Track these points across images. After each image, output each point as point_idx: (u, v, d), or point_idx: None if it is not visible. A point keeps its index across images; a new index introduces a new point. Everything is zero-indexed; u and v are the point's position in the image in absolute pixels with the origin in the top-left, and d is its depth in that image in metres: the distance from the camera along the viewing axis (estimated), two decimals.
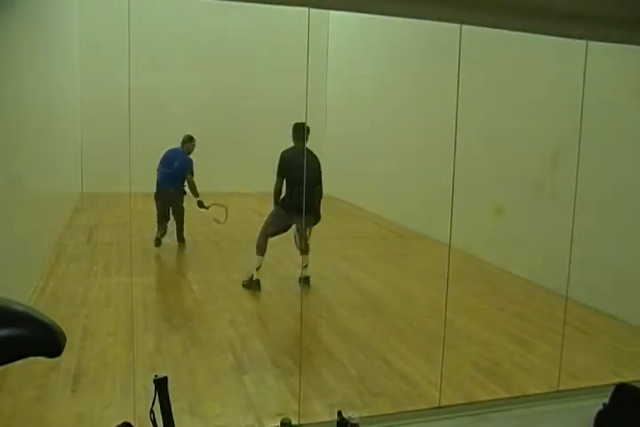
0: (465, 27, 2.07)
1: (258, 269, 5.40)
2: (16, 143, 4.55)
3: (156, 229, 6.80)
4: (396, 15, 1.89)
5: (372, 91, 9.81)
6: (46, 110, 6.32)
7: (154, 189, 7.20)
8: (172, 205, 6.86)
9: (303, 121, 5.28)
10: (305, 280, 5.50)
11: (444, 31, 2.70)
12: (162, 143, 9.87)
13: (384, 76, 9.41)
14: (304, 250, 5.52)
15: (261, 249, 5.46)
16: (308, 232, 5.48)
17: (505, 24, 1.95)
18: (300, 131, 5.18)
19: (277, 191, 5.31)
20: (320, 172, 5.38)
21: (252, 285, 5.35)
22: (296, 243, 5.58)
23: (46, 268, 5.68)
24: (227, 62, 10.52)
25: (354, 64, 10.70)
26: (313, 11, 1.89)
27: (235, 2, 1.77)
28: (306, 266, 5.54)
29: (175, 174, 6.84)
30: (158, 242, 6.77)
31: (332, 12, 9.07)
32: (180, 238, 7.09)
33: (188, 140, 7.04)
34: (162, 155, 7.02)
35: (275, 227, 5.46)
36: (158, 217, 6.87)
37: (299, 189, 5.08)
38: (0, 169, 3.96)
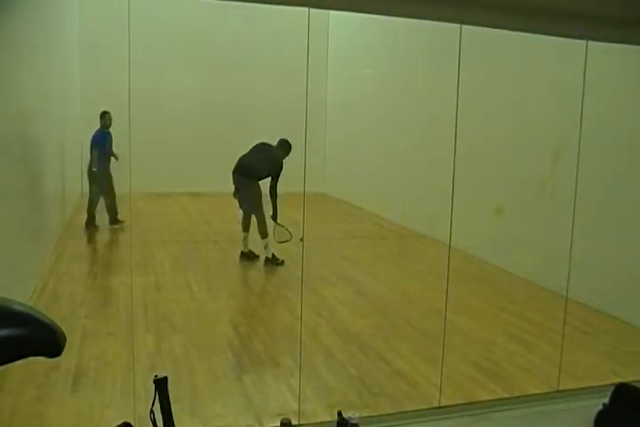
0: (465, 26, 2.07)
1: (244, 241, 6.35)
2: (16, 143, 4.55)
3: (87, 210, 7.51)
4: (395, 15, 1.90)
5: (372, 90, 9.80)
6: (46, 110, 6.32)
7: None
8: (107, 177, 7.46)
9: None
10: (270, 261, 6.14)
11: (444, 31, 2.70)
12: (162, 143, 9.92)
13: (384, 75, 9.41)
14: (262, 233, 6.22)
15: (242, 225, 6.38)
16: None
17: (505, 24, 1.95)
18: (284, 144, 6.35)
19: None
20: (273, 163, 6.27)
21: (244, 257, 6.33)
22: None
23: (46, 268, 5.68)
24: (227, 62, 10.51)
25: (354, 64, 10.70)
26: (313, 11, 1.89)
27: (235, 2, 1.77)
28: (265, 247, 6.22)
29: (104, 150, 7.55)
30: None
31: (332, 12, 9.07)
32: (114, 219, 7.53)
33: (102, 117, 7.70)
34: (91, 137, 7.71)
35: (238, 197, 6.35)
36: (95, 193, 7.53)
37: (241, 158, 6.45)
38: (1, 169, 3.96)
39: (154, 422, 1.45)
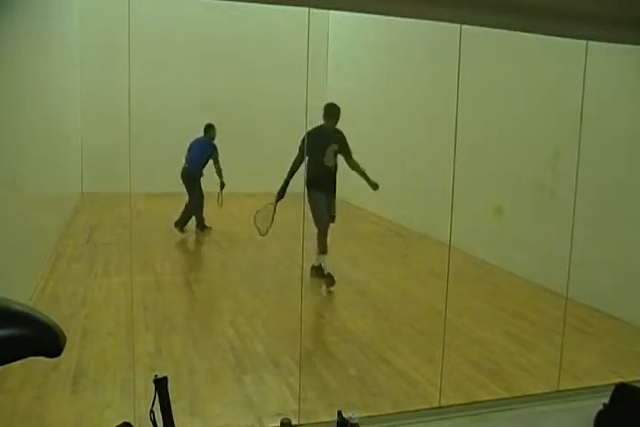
0: (465, 26, 2.07)
1: (317, 266, 5.52)
2: (16, 143, 4.55)
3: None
4: (396, 15, 1.89)
5: (372, 90, 9.80)
6: (46, 110, 6.32)
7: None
8: (192, 188, 7.44)
9: (333, 102, 5.59)
10: (329, 277, 5.37)
11: (444, 30, 2.70)
12: (162, 143, 9.91)
13: (384, 75, 9.41)
14: (322, 247, 5.47)
15: (320, 244, 5.48)
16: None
17: (505, 24, 1.95)
18: (329, 110, 5.54)
19: (295, 165, 5.41)
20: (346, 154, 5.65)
21: (315, 274, 5.52)
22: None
23: (46, 268, 5.67)
24: (227, 62, 10.52)
25: (354, 64, 10.70)
26: (313, 11, 1.89)
27: (235, 2, 1.77)
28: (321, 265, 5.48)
29: (194, 159, 7.59)
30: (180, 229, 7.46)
31: (332, 12, 9.07)
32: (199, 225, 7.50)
33: (210, 128, 7.74)
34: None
35: (319, 208, 5.49)
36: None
37: (319, 166, 5.45)
38: (0, 169, 3.96)
39: (154, 422, 1.45)
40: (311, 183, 5.45)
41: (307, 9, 1.83)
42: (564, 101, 5.08)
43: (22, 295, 4.43)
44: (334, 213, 5.70)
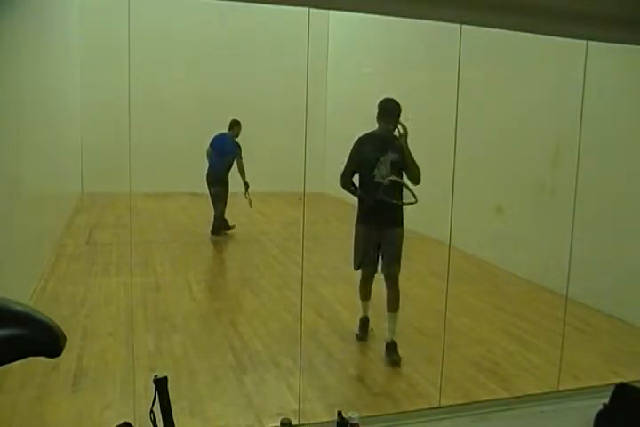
0: (465, 26, 2.07)
1: (362, 318, 4.25)
2: (16, 143, 4.55)
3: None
4: (395, 15, 1.89)
5: (372, 90, 9.80)
6: (46, 110, 6.32)
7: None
8: (218, 191, 7.30)
9: (391, 98, 3.89)
10: (390, 349, 3.84)
11: (444, 30, 2.70)
12: (161, 143, 9.92)
13: (384, 75, 9.41)
14: (391, 302, 3.95)
15: (361, 291, 4.20)
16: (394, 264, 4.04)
17: (505, 24, 1.95)
18: (386, 109, 3.85)
19: (343, 182, 4.11)
20: (407, 165, 3.95)
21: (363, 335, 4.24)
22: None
23: (46, 268, 5.67)
24: (227, 62, 10.52)
25: (354, 64, 10.70)
26: (313, 11, 1.89)
27: (235, 2, 1.77)
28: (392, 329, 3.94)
29: (220, 160, 7.35)
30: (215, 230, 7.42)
31: (332, 12, 9.07)
32: (214, 230, 7.38)
33: (235, 125, 7.51)
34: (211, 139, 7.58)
35: (359, 251, 4.04)
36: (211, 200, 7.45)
37: (367, 184, 3.98)
38: (1, 169, 3.96)
39: (154, 422, 1.45)
40: (359, 209, 4.10)
41: (307, 9, 1.83)
42: (564, 101, 5.08)
43: (22, 295, 4.43)
44: (393, 260, 4.01)
